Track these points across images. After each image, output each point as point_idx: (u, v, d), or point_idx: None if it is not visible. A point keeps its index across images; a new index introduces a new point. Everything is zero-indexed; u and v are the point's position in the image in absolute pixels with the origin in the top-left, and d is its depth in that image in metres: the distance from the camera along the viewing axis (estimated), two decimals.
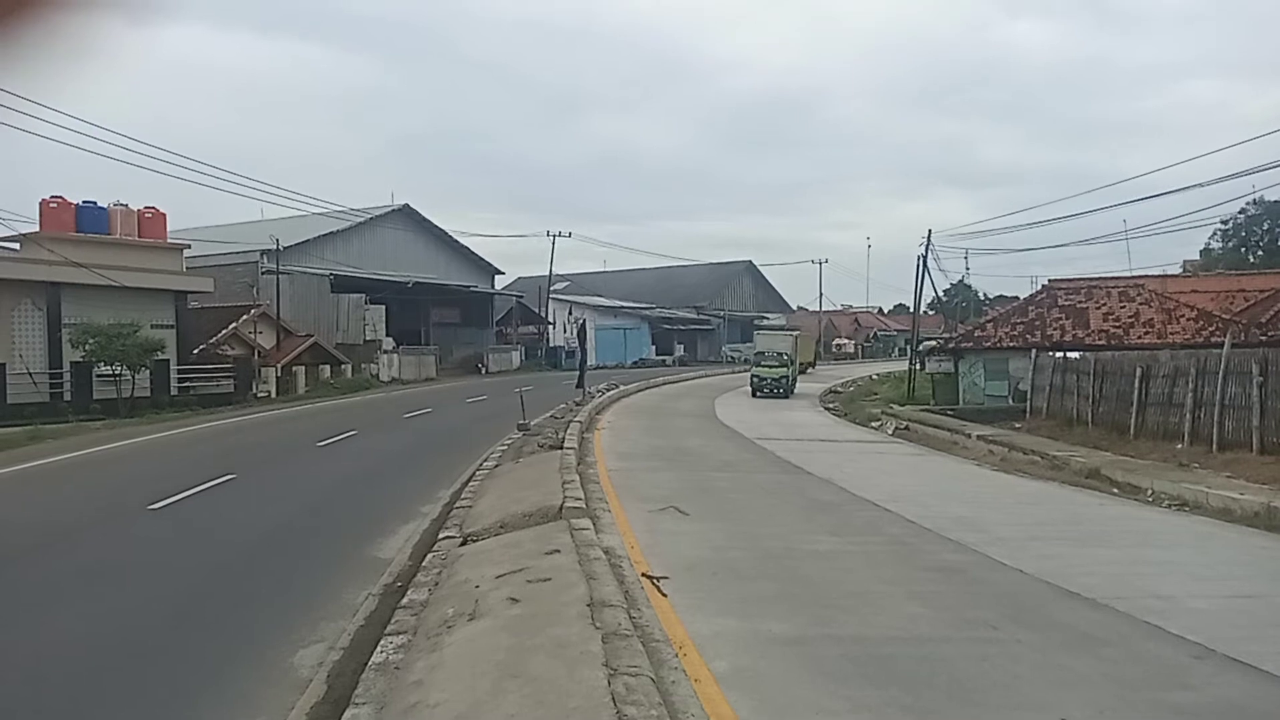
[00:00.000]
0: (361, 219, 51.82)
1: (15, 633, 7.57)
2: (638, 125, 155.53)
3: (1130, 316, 29.33)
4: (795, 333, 47.17)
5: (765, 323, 72.44)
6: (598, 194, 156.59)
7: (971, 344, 31.49)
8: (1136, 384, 20.03)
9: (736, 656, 6.24)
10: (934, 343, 36.99)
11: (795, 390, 38.39)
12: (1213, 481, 14.13)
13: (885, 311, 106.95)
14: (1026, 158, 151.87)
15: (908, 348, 45.55)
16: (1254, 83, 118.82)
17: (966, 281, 63.31)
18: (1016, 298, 41.76)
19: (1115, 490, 14.68)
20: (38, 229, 30.15)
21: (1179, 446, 17.78)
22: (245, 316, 38.46)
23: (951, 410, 27.79)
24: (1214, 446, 16.99)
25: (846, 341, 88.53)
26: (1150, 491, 14.10)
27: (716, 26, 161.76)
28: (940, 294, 50.75)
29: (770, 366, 37.59)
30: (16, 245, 30.67)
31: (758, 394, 36.91)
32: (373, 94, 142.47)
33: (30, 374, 27.80)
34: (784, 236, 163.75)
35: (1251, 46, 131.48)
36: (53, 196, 30.99)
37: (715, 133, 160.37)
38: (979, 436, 21.54)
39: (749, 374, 39.36)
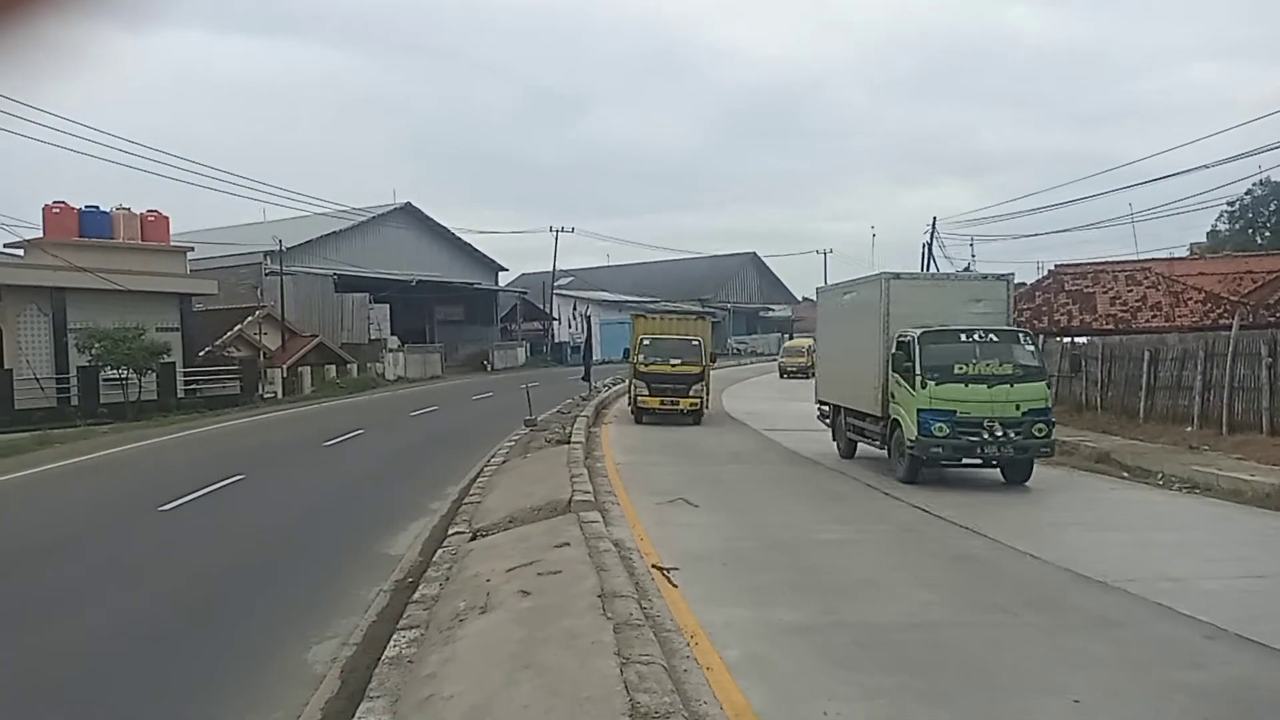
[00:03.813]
0: (364, 218, 51.89)
1: (32, 633, 7.60)
2: (638, 119, 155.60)
3: (1138, 300, 29.18)
4: (1008, 277, 15.73)
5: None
6: (600, 189, 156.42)
7: None
8: (1145, 368, 19.93)
9: (748, 645, 6.24)
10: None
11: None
12: (1223, 464, 14.08)
13: None
14: (1026, 144, 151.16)
15: None
16: (1257, 65, 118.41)
17: (972, 268, 62.81)
18: (1023, 284, 41.48)
19: (1125, 474, 14.62)
20: (41, 234, 30.28)
21: (1189, 429, 17.71)
22: (250, 318, 38.58)
23: None
24: (1224, 429, 16.91)
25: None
26: (1161, 475, 14.05)
27: (712, 19, 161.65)
28: None
29: (1000, 378, 12.91)
30: (21, 251, 30.79)
31: (944, 465, 13.52)
32: (374, 94, 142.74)
33: (37, 379, 27.90)
34: (787, 227, 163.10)
35: (1253, 29, 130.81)
36: (55, 202, 31.08)
37: (714, 125, 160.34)
38: None
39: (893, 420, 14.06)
